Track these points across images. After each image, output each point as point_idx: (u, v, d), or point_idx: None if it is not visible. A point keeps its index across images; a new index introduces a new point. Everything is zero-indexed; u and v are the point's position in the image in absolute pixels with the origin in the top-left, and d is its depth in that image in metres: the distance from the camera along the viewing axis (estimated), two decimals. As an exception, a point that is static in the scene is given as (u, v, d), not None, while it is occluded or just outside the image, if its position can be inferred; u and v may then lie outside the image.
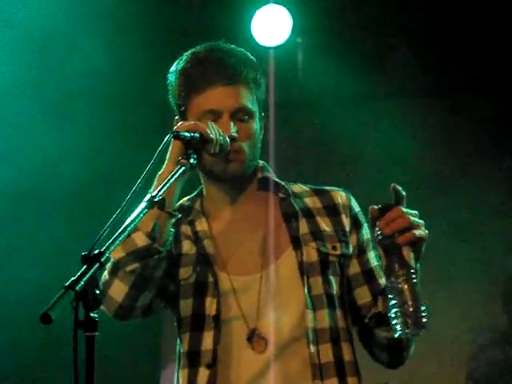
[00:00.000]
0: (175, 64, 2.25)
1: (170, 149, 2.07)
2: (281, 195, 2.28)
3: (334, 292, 2.21)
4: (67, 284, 1.55)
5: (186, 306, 2.20)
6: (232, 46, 2.26)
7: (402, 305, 1.96)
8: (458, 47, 4.68)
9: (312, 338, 2.14)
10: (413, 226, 2.02)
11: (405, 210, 2.03)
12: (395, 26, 4.72)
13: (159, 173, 2.06)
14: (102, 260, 1.61)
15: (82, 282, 1.56)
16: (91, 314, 1.58)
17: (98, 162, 4.78)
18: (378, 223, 2.03)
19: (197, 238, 2.23)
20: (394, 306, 1.98)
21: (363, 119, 5.21)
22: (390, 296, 1.99)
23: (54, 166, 4.61)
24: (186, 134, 2.03)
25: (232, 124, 2.15)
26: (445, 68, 4.82)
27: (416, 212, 2.06)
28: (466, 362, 4.64)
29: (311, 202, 2.29)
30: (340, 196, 2.30)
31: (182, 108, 2.22)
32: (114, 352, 4.33)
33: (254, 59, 2.26)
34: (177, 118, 2.25)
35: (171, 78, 2.25)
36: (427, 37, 4.70)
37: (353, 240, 2.27)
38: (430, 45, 4.73)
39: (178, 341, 2.24)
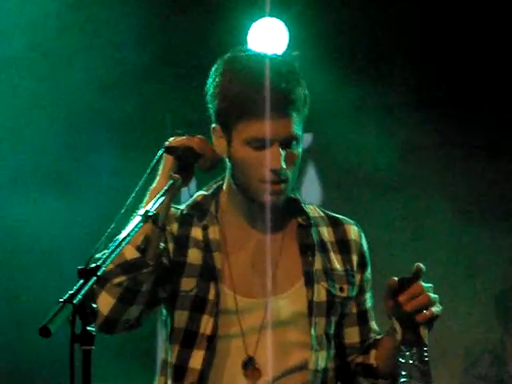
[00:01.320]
0: (219, 77, 2.11)
1: (162, 163, 2.06)
2: (300, 221, 2.22)
3: (332, 332, 2.20)
4: (65, 298, 1.55)
5: (180, 317, 2.16)
6: (282, 60, 2.16)
7: (412, 383, 1.97)
8: (455, 59, 4.70)
9: (311, 379, 2.15)
10: (431, 304, 2.01)
11: (424, 285, 2.02)
12: (392, 38, 4.73)
13: (151, 187, 2.05)
14: (99, 274, 1.61)
15: (80, 296, 1.56)
16: (88, 328, 1.59)
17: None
18: (396, 296, 2.01)
19: (207, 247, 2.17)
20: (404, 383, 1.98)
21: (360, 131, 5.22)
22: (401, 372, 1.99)
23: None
24: (179, 148, 2.03)
25: (282, 152, 2.07)
26: (442, 80, 4.83)
27: (432, 285, 2.04)
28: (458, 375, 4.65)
29: (326, 233, 2.25)
30: (353, 231, 2.27)
31: (225, 122, 2.11)
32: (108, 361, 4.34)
33: (302, 79, 2.16)
34: (214, 126, 2.14)
35: (222, 78, 2.11)
36: (424, 49, 4.71)
37: (357, 279, 2.25)
38: (427, 57, 4.74)
39: (165, 347, 2.21)
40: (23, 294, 4.65)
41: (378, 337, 2.26)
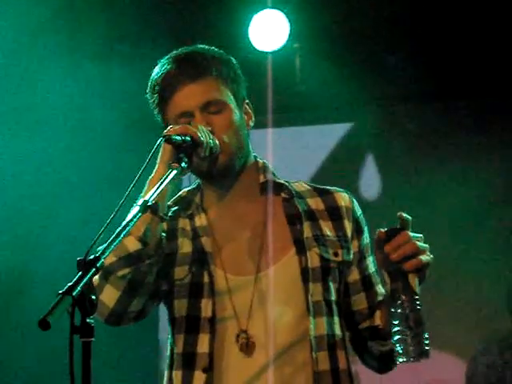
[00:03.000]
0: (149, 79, 2.25)
1: (160, 153, 2.06)
2: (284, 195, 2.25)
3: (333, 299, 2.19)
4: (64, 290, 1.55)
5: (180, 306, 2.18)
6: (196, 45, 2.25)
7: (405, 332, 1.97)
8: (457, 50, 4.68)
9: (314, 346, 2.13)
10: (419, 252, 2.01)
11: (411, 234, 2.02)
12: (393, 30, 4.72)
13: (150, 177, 2.05)
14: (98, 265, 1.61)
15: (79, 288, 1.56)
16: (87, 320, 1.58)
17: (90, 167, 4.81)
18: (384, 247, 2.02)
19: (195, 234, 2.21)
20: (397, 332, 1.99)
21: (361, 123, 5.22)
22: (393, 322, 2.00)
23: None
24: (177, 137, 2.02)
25: (204, 120, 2.13)
26: (443, 71, 4.82)
27: (421, 236, 2.05)
28: (464, 365, 4.64)
29: (314, 203, 2.26)
30: (343, 198, 2.28)
31: (163, 119, 2.23)
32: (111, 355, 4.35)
33: (221, 53, 2.24)
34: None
35: (147, 95, 2.25)
36: (425, 41, 4.70)
37: (354, 245, 2.25)
38: (428, 49, 4.73)
39: (171, 339, 2.22)
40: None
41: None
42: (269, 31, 4.73)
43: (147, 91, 2.25)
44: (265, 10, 4.74)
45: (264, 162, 2.30)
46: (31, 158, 4.74)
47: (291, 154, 5.02)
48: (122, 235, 1.70)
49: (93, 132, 4.83)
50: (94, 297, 1.60)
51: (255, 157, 2.29)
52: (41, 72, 4.50)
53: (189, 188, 2.29)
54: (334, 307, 2.19)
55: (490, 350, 3.56)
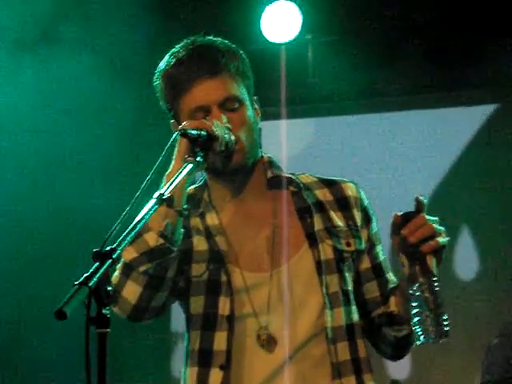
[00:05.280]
0: (158, 68, 2.23)
1: (176, 147, 2.06)
2: (292, 189, 2.26)
3: (350, 288, 2.20)
4: (80, 280, 1.55)
5: (196, 303, 2.18)
6: (210, 38, 2.23)
7: (424, 313, 1.98)
8: (471, 42, 4.67)
9: (331, 337, 2.14)
10: (436, 234, 2.02)
11: (428, 217, 2.03)
12: (406, 21, 4.71)
13: (167, 172, 2.05)
14: (114, 256, 1.61)
15: (95, 279, 1.56)
16: (103, 311, 1.59)
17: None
18: (401, 231, 2.02)
19: (208, 233, 2.21)
20: (416, 314, 2.00)
21: (374, 115, 5.21)
22: (412, 304, 2.01)
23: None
24: (193, 132, 2.02)
25: (223, 116, 2.13)
26: (457, 63, 4.80)
27: (437, 218, 2.05)
28: (479, 358, 4.63)
29: (322, 194, 2.27)
30: (350, 188, 2.28)
31: (173, 111, 2.22)
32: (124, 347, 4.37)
33: (236, 48, 2.23)
34: (172, 121, 2.24)
35: (156, 82, 2.23)
36: (439, 32, 4.69)
37: (364, 234, 2.25)
38: (442, 40, 4.71)
39: (186, 337, 2.22)
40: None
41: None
42: (281, 23, 4.73)
43: (156, 78, 2.23)
44: (277, 2, 4.74)
45: (269, 157, 2.30)
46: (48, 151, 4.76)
47: (304, 145, 5.03)
48: (137, 227, 1.70)
49: (116, 123, 4.84)
50: (110, 288, 1.60)
51: (261, 152, 2.29)
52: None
53: (196, 185, 2.28)
54: (351, 296, 2.20)
55: (506, 343, 3.55)
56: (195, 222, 2.23)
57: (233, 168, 2.16)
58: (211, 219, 2.23)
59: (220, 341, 2.14)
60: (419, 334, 1.99)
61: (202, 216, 2.24)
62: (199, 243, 2.20)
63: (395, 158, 5.14)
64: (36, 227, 4.81)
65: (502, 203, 4.90)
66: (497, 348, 3.44)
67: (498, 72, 4.79)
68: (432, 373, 4.81)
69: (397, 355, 2.30)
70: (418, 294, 2.00)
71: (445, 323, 1.98)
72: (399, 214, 2.04)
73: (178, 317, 2.32)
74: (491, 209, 4.92)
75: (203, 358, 2.16)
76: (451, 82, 4.95)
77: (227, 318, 2.14)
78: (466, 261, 4.97)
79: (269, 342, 2.13)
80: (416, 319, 1.99)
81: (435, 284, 2.00)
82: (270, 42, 4.78)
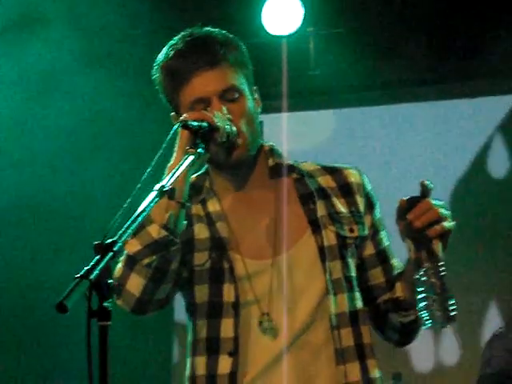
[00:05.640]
0: (157, 60, 2.23)
1: (178, 139, 2.05)
2: (295, 176, 2.25)
3: (353, 274, 2.20)
4: (81, 273, 1.54)
5: (201, 292, 2.18)
6: (208, 29, 2.22)
7: (431, 298, 1.98)
8: (474, 33, 4.66)
9: (335, 323, 2.14)
10: (442, 219, 2.02)
11: (433, 201, 2.03)
12: (408, 12, 4.70)
13: (169, 163, 2.05)
14: (115, 249, 1.61)
15: (96, 272, 1.56)
16: (104, 304, 1.58)
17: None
18: (406, 216, 2.02)
19: (209, 220, 2.20)
20: (423, 298, 2.00)
21: (376, 107, 5.21)
22: (419, 289, 2.01)
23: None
24: (194, 123, 2.02)
25: (223, 107, 2.12)
26: (459, 54, 4.79)
27: (443, 203, 2.05)
28: (480, 351, 4.63)
29: (324, 181, 2.26)
30: (353, 175, 2.28)
31: (173, 103, 2.21)
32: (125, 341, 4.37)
33: (234, 38, 2.22)
34: (172, 114, 2.23)
35: (156, 75, 2.23)
36: (441, 23, 4.68)
37: (367, 220, 2.25)
38: (444, 32, 4.71)
39: (191, 326, 2.22)
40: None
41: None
42: (283, 15, 4.72)
43: (155, 71, 2.23)
44: (279, -6, 4.73)
45: (270, 145, 2.29)
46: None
47: (305, 138, 5.02)
48: (139, 219, 1.70)
49: (116, 117, 4.83)
50: (110, 280, 1.60)
51: (261, 141, 2.29)
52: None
53: (197, 174, 2.27)
54: (355, 282, 2.20)
55: (507, 335, 3.56)
56: (196, 209, 2.22)
57: (235, 161, 2.16)
58: (212, 205, 2.22)
59: (227, 328, 2.14)
60: (426, 319, 1.99)
61: (204, 202, 2.23)
62: (200, 231, 2.20)
63: (398, 149, 5.14)
64: (37, 220, 4.81)
65: (503, 195, 4.91)
66: (497, 340, 3.44)
67: (501, 63, 4.78)
68: (433, 366, 4.82)
69: (403, 341, 2.29)
70: (424, 278, 2.00)
71: (451, 308, 1.98)
72: (404, 198, 2.04)
73: (180, 306, 2.31)
74: (491, 201, 4.92)
75: (211, 346, 2.16)
76: (455, 73, 4.95)
77: (232, 305, 2.14)
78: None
79: (271, 329, 2.13)
80: (422, 304, 1.99)
81: (441, 269, 2.00)
82: (272, 35, 4.78)
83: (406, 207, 2.03)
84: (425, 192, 2.04)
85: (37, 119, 4.74)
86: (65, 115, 4.71)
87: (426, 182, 2.05)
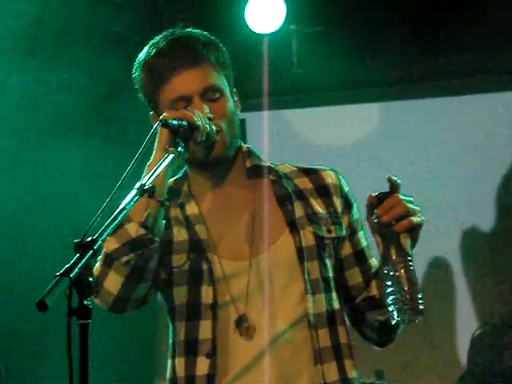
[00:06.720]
0: (138, 59, 2.23)
1: (157, 137, 2.06)
2: (271, 178, 2.26)
3: (330, 275, 2.21)
4: (61, 271, 1.55)
5: (179, 294, 2.19)
6: (190, 30, 2.23)
7: (399, 292, 1.99)
8: (456, 31, 4.67)
9: (313, 323, 2.15)
10: (410, 213, 2.03)
11: (402, 196, 2.04)
12: (391, 11, 4.71)
13: (149, 162, 2.05)
14: (95, 247, 1.61)
15: (77, 270, 1.56)
16: (85, 302, 1.58)
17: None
18: (375, 211, 2.04)
19: (188, 223, 2.21)
20: (391, 293, 2.00)
21: (358, 106, 5.22)
22: (387, 283, 2.01)
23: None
24: (174, 122, 2.02)
25: (205, 106, 2.13)
26: (442, 53, 4.81)
27: (412, 198, 2.06)
28: (462, 348, 4.66)
29: (301, 182, 2.28)
30: (330, 176, 2.29)
31: (153, 102, 2.22)
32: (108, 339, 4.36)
33: (215, 39, 2.24)
34: (152, 113, 2.24)
35: (136, 74, 2.23)
36: (424, 22, 4.69)
37: (345, 221, 2.26)
38: (427, 30, 4.72)
39: (171, 328, 2.23)
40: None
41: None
42: (265, 13, 4.72)
43: (135, 69, 2.23)
44: (261, -8, 4.73)
45: (248, 147, 2.30)
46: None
47: (287, 136, 5.03)
48: (119, 218, 1.71)
49: (92, 118, 4.82)
50: (91, 279, 1.60)
51: (240, 142, 2.30)
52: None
53: (175, 177, 2.28)
54: (332, 283, 2.21)
55: (490, 332, 3.60)
56: (175, 212, 2.23)
57: (214, 159, 2.16)
58: (191, 209, 2.23)
59: (205, 329, 2.15)
60: (394, 313, 1.99)
61: (182, 206, 2.24)
62: (179, 233, 2.21)
63: (381, 148, 5.15)
64: (15, 219, 4.79)
65: (493, 192, 4.94)
66: (480, 337, 3.48)
67: (484, 60, 4.81)
68: (416, 363, 4.83)
69: (383, 341, 2.30)
70: (391, 273, 2.00)
71: (419, 301, 1.98)
72: (374, 194, 2.05)
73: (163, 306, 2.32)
74: (481, 199, 4.94)
75: (189, 348, 2.17)
76: (438, 71, 4.96)
77: (210, 307, 2.15)
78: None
79: (247, 330, 2.14)
80: (391, 298, 2.00)
81: (410, 263, 2.01)
82: (254, 33, 4.78)
83: (375, 203, 2.04)
84: (393, 187, 2.06)
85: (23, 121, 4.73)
86: (44, 113, 4.70)
87: (394, 178, 2.06)
